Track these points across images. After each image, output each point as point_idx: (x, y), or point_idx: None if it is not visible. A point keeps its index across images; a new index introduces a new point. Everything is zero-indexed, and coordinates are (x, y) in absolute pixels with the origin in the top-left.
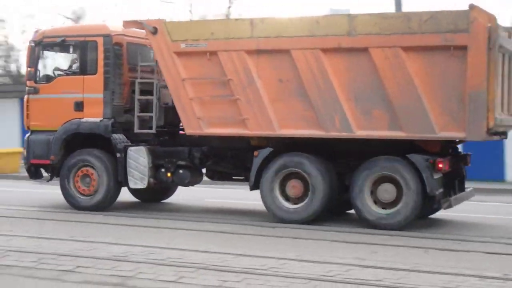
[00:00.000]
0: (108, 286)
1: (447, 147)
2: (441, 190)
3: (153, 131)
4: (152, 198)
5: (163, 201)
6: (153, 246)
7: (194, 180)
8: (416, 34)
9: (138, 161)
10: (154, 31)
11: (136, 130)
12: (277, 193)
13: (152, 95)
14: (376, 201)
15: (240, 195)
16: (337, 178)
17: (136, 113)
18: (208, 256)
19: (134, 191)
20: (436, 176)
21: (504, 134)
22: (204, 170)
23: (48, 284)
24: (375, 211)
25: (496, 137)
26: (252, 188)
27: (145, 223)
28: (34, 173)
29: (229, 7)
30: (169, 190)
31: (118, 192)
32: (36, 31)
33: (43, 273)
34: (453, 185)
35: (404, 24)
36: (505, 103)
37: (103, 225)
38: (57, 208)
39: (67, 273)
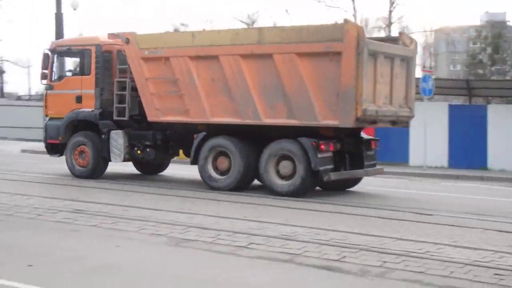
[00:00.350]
0: (278, 261)
1: (340, 133)
2: (327, 166)
3: (126, 118)
4: (150, 171)
5: (160, 173)
6: (318, 227)
7: (160, 157)
8: (306, 43)
9: (117, 141)
10: (127, 41)
11: (114, 118)
12: (209, 166)
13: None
14: (278, 175)
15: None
16: (254, 156)
17: (115, 104)
18: (369, 238)
19: (136, 167)
20: (321, 155)
21: (374, 123)
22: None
23: (224, 257)
24: (277, 182)
25: (372, 125)
26: (192, 163)
27: (311, 207)
28: (50, 150)
29: (391, 11)
30: (162, 165)
31: (105, 165)
32: (51, 42)
33: (220, 248)
34: (345, 163)
35: (297, 35)
36: (382, 96)
37: (271, 208)
38: (231, 193)
39: (242, 248)
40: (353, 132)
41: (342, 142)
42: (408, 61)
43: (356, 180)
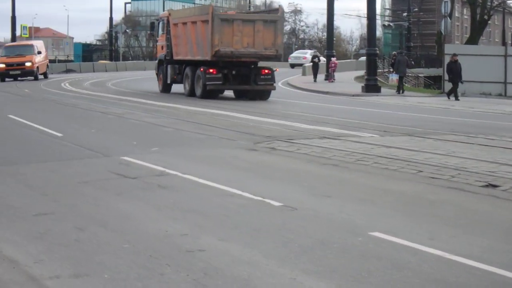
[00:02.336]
0: None
1: (224, 63)
2: (215, 82)
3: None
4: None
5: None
6: None
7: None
8: (197, 15)
9: (168, 71)
10: (169, 15)
11: (170, 58)
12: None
13: None
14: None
15: None
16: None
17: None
18: None
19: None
20: (210, 76)
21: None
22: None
23: None
24: (197, 90)
25: (235, 59)
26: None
27: None
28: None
29: None
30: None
31: (169, 85)
32: (160, 15)
33: None
34: (230, 80)
35: (195, 11)
36: (242, 43)
37: None
38: None
39: None
40: (244, 63)
41: (229, 68)
42: (275, 22)
43: (261, 94)
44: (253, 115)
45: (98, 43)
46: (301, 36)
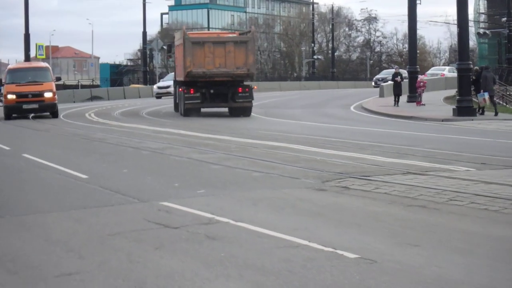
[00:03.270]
0: None
1: (202, 83)
2: (194, 101)
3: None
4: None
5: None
6: None
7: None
8: (178, 39)
9: (176, 92)
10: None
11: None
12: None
13: None
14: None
15: None
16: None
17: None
18: None
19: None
20: (188, 95)
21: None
22: None
23: None
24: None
25: (207, 79)
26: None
27: None
28: None
29: None
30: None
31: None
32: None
33: None
34: (208, 99)
35: (176, 35)
36: (214, 63)
37: None
38: None
39: None
40: (222, 82)
41: (207, 88)
42: (247, 43)
43: (242, 110)
44: (319, 147)
45: (129, 64)
46: (377, 49)
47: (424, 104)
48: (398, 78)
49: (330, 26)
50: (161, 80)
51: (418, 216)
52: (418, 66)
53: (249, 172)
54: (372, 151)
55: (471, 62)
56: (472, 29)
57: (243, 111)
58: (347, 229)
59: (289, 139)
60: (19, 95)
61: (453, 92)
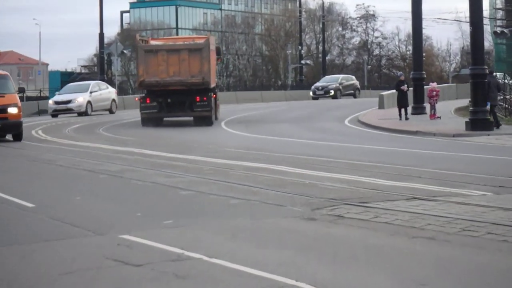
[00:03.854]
0: None
1: (158, 93)
2: (151, 110)
3: None
4: None
5: None
6: None
7: None
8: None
9: None
10: None
11: None
12: None
13: None
14: None
15: None
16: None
17: None
18: None
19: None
20: (145, 105)
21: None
22: None
23: None
24: None
25: (162, 87)
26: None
27: None
28: None
29: None
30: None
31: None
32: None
33: None
34: (165, 108)
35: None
36: (168, 72)
37: None
38: None
39: None
40: (180, 91)
41: (164, 97)
42: (201, 50)
43: (201, 120)
44: (308, 169)
45: (83, 71)
46: (376, 51)
47: (439, 117)
48: (405, 87)
49: (321, 26)
50: (57, 93)
51: (426, 249)
52: (424, 72)
53: (226, 199)
54: (371, 172)
55: (486, 67)
56: (487, 28)
57: (203, 121)
58: (342, 265)
59: (273, 159)
60: None
61: (465, 102)
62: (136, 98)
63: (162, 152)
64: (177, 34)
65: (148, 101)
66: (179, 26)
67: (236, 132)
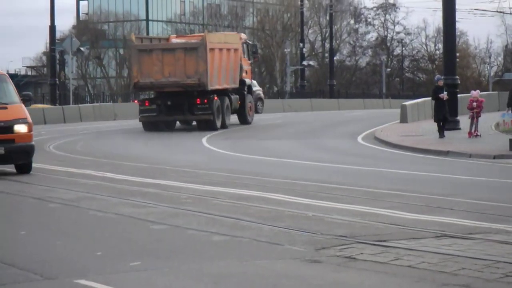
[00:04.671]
0: None
1: (157, 96)
2: (150, 114)
3: None
4: None
5: None
6: None
7: None
8: None
9: None
10: None
11: None
12: None
13: None
14: None
15: None
16: None
17: None
18: None
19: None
20: (144, 108)
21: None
22: None
23: None
24: None
25: (156, 89)
26: None
27: None
28: None
29: None
30: None
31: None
32: None
33: None
34: (163, 111)
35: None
36: (163, 73)
37: None
38: None
39: None
40: (179, 92)
41: (162, 99)
42: (197, 49)
43: (203, 124)
44: (311, 198)
45: (30, 73)
46: (397, 50)
47: (480, 135)
48: (444, 95)
49: (328, 18)
50: None
51: None
52: (457, 77)
53: (208, 235)
54: (391, 203)
55: None
56: None
57: (205, 125)
58: None
59: (267, 186)
60: None
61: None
62: (136, 101)
63: (129, 176)
64: (147, 27)
65: (147, 104)
66: (150, 18)
67: (221, 151)
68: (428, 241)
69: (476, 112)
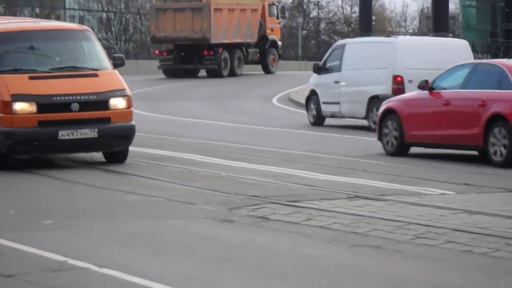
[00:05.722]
0: None
1: (176, 48)
2: (166, 62)
3: None
4: None
5: None
6: None
7: None
8: None
9: None
10: None
11: None
12: None
13: None
14: None
15: None
16: None
17: None
18: None
19: None
20: (162, 57)
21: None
22: None
23: None
24: None
25: (168, 42)
26: None
27: None
28: None
29: None
30: None
31: None
32: None
33: None
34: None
35: None
36: (176, 28)
37: None
38: None
39: None
40: (193, 46)
41: (178, 51)
42: (202, 9)
43: (211, 73)
44: (225, 158)
45: None
46: (313, 13)
47: None
48: None
49: None
50: None
51: (371, 262)
52: None
53: (122, 195)
54: (304, 164)
55: (451, 35)
56: None
57: (212, 73)
58: (266, 282)
59: (181, 146)
60: (43, 105)
61: None
62: (156, 51)
63: None
64: None
65: (164, 54)
66: None
67: (135, 111)
68: (341, 202)
69: None
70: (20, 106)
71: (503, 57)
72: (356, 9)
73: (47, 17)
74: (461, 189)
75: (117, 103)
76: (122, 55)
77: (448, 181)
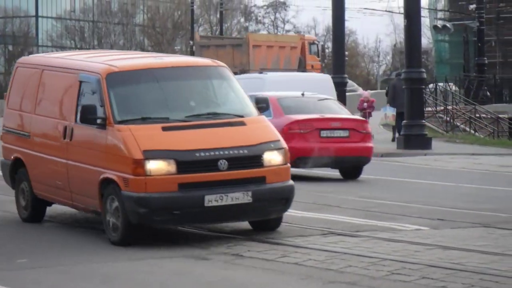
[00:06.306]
0: None
1: None
2: None
3: None
4: None
5: None
6: None
7: None
8: None
9: None
10: None
11: None
12: None
13: None
14: None
15: None
16: None
17: None
18: None
19: None
20: None
21: None
22: None
23: None
24: None
25: None
26: None
27: None
28: None
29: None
30: None
31: None
32: None
33: None
34: None
35: None
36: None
37: None
38: None
39: None
40: None
41: None
42: (241, 46)
43: None
44: None
45: None
46: None
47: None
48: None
49: (218, 16)
50: None
51: None
52: (346, 76)
53: (98, 233)
54: None
55: (424, 70)
56: (426, 21)
57: None
58: None
59: None
60: (184, 163)
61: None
62: None
63: None
64: (36, 23)
65: None
66: (40, 14)
67: None
68: (315, 238)
69: (368, 112)
70: (155, 165)
71: (476, 91)
72: (329, 44)
73: (21, 54)
74: (435, 224)
75: (272, 158)
76: (266, 97)
77: (422, 216)
